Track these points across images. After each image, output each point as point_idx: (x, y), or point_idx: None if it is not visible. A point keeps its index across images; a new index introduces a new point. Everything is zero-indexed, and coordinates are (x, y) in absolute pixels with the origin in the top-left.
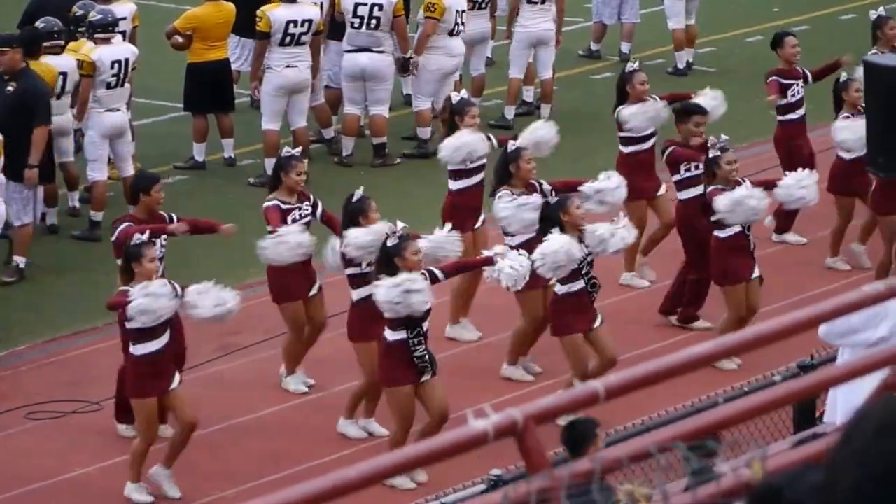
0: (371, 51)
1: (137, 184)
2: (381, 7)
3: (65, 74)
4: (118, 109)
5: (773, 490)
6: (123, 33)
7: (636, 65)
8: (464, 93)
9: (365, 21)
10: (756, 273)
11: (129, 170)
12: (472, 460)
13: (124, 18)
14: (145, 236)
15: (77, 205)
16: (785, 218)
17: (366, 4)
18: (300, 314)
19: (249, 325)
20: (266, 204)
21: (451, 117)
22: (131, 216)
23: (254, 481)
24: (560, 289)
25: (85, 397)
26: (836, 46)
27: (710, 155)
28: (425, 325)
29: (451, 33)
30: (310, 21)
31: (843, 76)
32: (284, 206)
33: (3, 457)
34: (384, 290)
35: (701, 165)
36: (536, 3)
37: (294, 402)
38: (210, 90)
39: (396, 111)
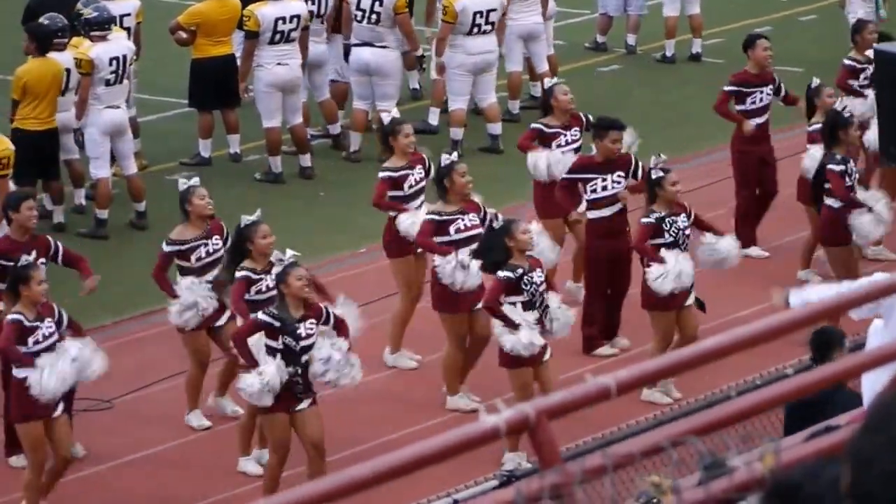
0: (374, 45)
1: (6, 203)
2: (381, 2)
3: (69, 71)
4: (118, 107)
5: (791, 486)
6: (128, 29)
7: (554, 80)
8: (395, 112)
9: (366, 15)
10: (690, 300)
11: (132, 167)
12: (484, 456)
13: (128, 14)
14: (31, 257)
15: (83, 202)
16: (748, 232)
17: None
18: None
19: None
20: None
21: (384, 138)
22: (6, 237)
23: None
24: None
25: (96, 395)
26: (844, 36)
27: (653, 176)
28: (304, 359)
29: (469, 33)
30: (297, 17)
31: (815, 81)
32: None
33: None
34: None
35: (609, 185)
36: None
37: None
38: (215, 86)
39: (403, 106)
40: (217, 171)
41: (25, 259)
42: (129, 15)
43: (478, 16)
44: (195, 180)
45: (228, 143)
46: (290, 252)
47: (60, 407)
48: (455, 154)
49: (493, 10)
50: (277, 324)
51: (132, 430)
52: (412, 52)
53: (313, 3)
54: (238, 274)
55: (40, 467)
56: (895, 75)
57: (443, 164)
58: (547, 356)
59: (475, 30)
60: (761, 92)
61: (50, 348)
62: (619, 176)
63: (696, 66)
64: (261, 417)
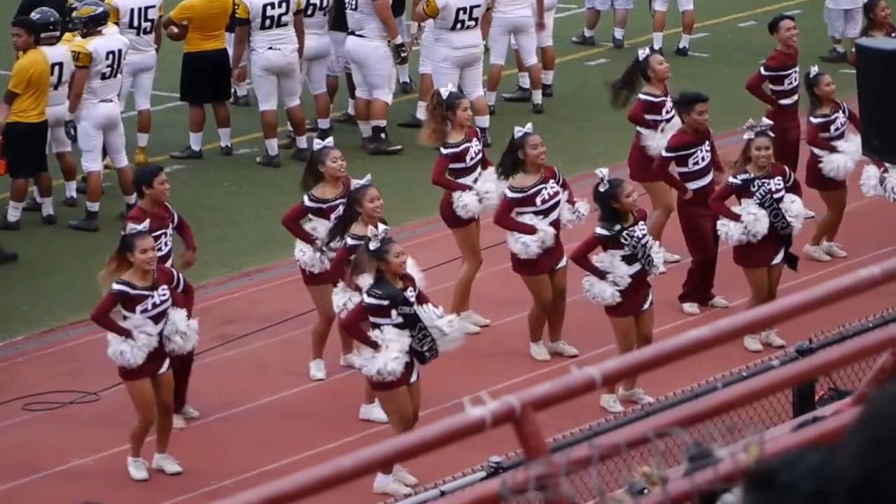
0: (354, 34)
1: (138, 178)
2: None
3: (61, 65)
4: (111, 100)
5: (766, 473)
6: (152, 21)
7: (647, 50)
8: (451, 86)
9: (349, 1)
10: (778, 259)
11: (123, 160)
12: (470, 447)
13: (153, 6)
14: (142, 225)
15: (74, 195)
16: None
17: None
18: (320, 299)
19: (247, 313)
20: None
21: (445, 111)
22: (139, 209)
23: (253, 470)
24: None
25: (82, 388)
26: (827, 30)
27: (745, 137)
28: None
29: (452, 28)
30: (287, 1)
31: (813, 70)
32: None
33: (0, 448)
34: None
35: (706, 157)
36: None
37: (294, 390)
38: (206, 80)
39: (393, 98)
40: (208, 164)
41: (132, 228)
42: (153, 7)
43: (461, 12)
44: (329, 141)
45: (219, 137)
46: (381, 226)
47: (165, 364)
48: (529, 125)
49: (477, 6)
50: (387, 303)
51: (119, 421)
52: (391, 41)
53: None
54: (349, 241)
55: (148, 424)
56: (877, 69)
57: (516, 137)
58: (647, 305)
59: (458, 25)
60: (796, 72)
61: (160, 316)
62: (709, 146)
63: (683, 59)
64: (382, 394)
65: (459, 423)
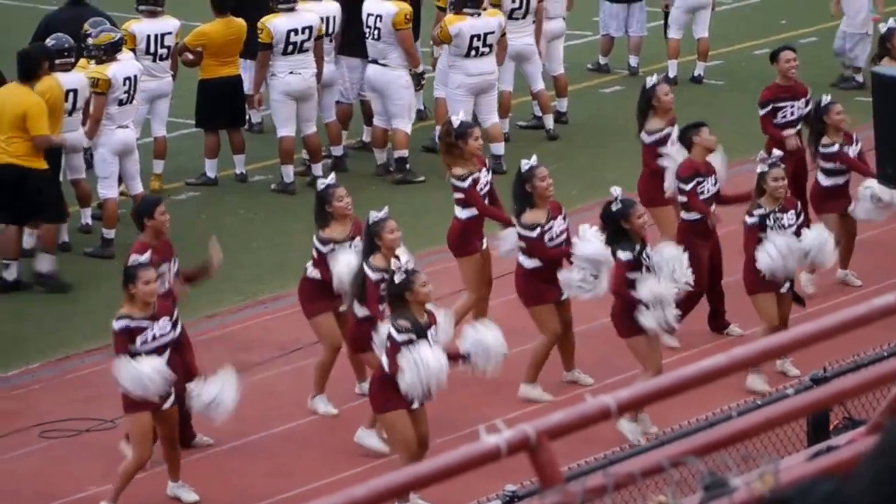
0: (377, 63)
1: (139, 210)
2: (380, 18)
3: (75, 91)
4: (127, 126)
5: (781, 502)
6: (169, 48)
7: (655, 78)
8: (462, 115)
9: (371, 31)
10: (786, 288)
11: (138, 187)
12: (485, 476)
13: (170, 33)
14: (144, 258)
15: (89, 222)
16: None
17: (372, 14)
18: (327, 328)
19: (262, 340)
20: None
21: (455, 140)
22: (140, 242)
23: (268, 499)
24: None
25: (98, 415)
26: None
27: (758, 170)
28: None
29: (467, 55)
30: (310, 28)
31: (825, 99)
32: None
33: (16, 475)
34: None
35: (712, 189)
36: (517, 18)
37: (307, 419)
38: (222, 106)
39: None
40: (223, 190)
41: (135, 259)
42: (170, 34)
43: (475, 39)
44: (332, 178)
45: (234, 163)
46: (403, 258)
47: (171, 399)
48: (534, 158)
49: (491, 32)
50: (415, 336)
51: None
52: (413, 70)
53: (322, 23)
54: (372, 276)
55: (143, 461)
56: (892, 97)
57: (523, 170)
58: None
59: (473, 52)
60: (792, 106)
61: (160, 349)
62: (714, 179)
63: (698, 87)
64: (385, 417)
65: (475, 451)
